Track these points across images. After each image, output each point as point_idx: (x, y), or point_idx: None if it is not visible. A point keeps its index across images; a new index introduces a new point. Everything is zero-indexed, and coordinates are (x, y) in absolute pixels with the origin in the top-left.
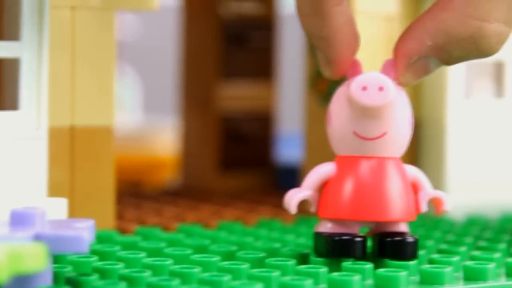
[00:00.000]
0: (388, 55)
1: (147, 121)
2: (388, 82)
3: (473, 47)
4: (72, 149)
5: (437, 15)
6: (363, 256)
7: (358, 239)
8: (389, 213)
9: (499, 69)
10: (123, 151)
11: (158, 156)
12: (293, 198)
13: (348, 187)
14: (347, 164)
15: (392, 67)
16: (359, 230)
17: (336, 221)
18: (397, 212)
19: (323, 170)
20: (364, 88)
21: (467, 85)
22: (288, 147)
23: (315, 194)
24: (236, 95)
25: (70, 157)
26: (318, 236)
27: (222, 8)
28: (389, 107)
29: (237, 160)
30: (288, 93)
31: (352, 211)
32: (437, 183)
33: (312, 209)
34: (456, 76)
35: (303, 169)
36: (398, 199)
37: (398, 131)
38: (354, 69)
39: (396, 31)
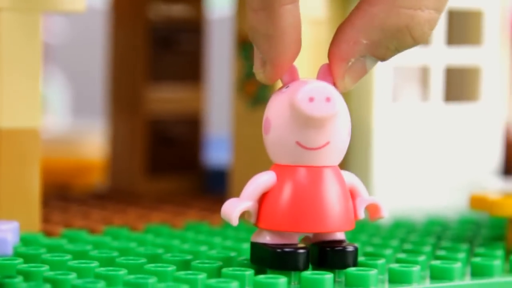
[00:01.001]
0: (316, 58)
1: (75, 124)
2: (334, 93)
3: (407, 37)
4: None
5: (367, 11)
6: (306, 268)
7: (302, 251)
8: (331, 224)
9: (425, 73)
10: (51, 154)
11: (86, 159)
12: (234, 211)
13: (289, 199)
14: (287, 174)
15: (329, 74)
16: (298, 240)
17: (275, 231)
18: (338, 222)
19: (263, 180)
20: (311, 99)
21: (393, 89)
22: (217, 150)
23: (255, 205)
24: (165, 98)
25: None
26: (258, 246)
27: (151, 10)
28: (334, 117)
29: (165, 163)
30: (216, 96)
31: (294, 223)
32: (364, 186)
33: (252, 220)
34: (382, 80)
35: (231, 172)
36: (339, 209)
37: (340, 140)
38: (291, 75)
39: (324, 34)
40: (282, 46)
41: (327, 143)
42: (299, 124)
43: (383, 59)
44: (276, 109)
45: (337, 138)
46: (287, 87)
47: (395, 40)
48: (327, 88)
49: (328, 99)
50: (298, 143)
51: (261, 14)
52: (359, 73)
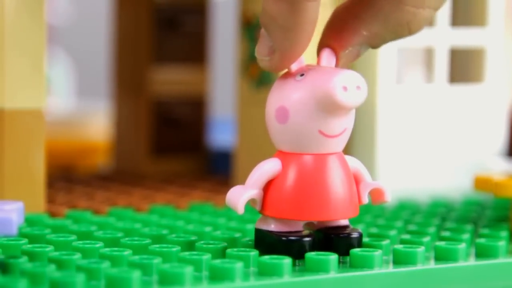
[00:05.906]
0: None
1: (80, 106)
2: (363, 81)
3: (405, 31)
4: (1, 132)
5: (373, 4)
6: None
7: (307, 239)
8: (336, 213)
9: (429, 54)
10: (55, 135)
11: (90, 140)
12: (240, 199)
13: (295, 187)
14: (292, 161)
15: (333, 58)
16: (302, 226)
17: (280, 218)
18: (344, 210)
19: (268, 168)
20: (345, 89)
21: (398, 71)
22: (221, 132)
23: (261, 192)
24: (169, 80)
25: (0, 140)
26: (263, 233)
27: None
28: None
29: (169, 144)
30: (220, 78)
31: (300, 212)
32: (368, 168)
33: (257, 207)
34: (386, 62)
35: (236, 154)
36: (344, 197)
37: (351, 126)
38: (298, 65)
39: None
40: (298, 40)
41: (345, 130)
42: (321, 113)
43: (375, 48)
44: (294, 98)
45: (350, 125)
46: (302, 75)
47: (393, 33)
48: (357, 76)
49: (358, 87)
50: (320, 132)
51: (282, 5)
52: (351, 59)
